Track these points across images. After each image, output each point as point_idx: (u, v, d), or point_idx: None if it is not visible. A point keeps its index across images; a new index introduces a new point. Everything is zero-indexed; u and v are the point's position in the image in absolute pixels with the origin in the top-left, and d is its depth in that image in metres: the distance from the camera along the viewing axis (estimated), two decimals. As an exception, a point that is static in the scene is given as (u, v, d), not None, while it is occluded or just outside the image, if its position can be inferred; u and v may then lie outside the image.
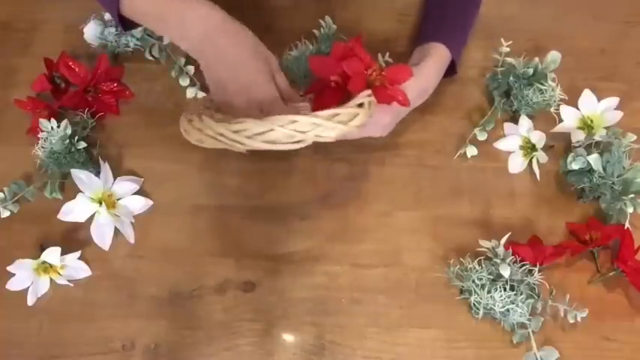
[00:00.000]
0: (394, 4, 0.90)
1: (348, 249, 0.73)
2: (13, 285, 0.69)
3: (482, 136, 0.79)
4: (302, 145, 0.59)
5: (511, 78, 0.79)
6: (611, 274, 0.71)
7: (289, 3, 0.90)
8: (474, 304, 0.68)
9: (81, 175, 0.72)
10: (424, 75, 0.72)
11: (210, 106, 0.72)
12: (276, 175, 0.77)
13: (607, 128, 0.77)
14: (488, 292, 0.67)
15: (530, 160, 0.77)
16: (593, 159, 0.72)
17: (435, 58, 0.74)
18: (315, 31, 0.83)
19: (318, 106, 0.66)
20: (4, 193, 0.73)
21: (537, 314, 0.68)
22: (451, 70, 0.77)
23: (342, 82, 0.65)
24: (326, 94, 0.66)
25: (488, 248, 0.69)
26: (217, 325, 0.69)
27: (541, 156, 0.76)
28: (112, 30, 0.82)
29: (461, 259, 0.70)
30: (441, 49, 0.75)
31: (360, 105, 0.62)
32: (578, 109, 0.79)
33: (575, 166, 0.74)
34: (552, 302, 0.68)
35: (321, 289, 0.71)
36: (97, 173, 0.73)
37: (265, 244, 0.73)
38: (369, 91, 0.64)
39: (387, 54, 0.74)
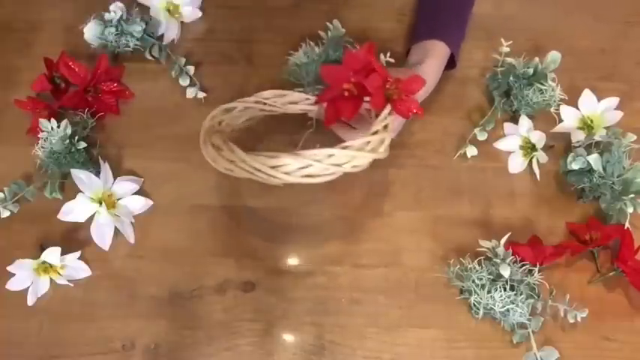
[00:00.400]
0: (394, 4, 0.90)
1: (348, 249, 0.73)
2: (13, 285, 0.69)
3: (482, 136, 0.79)
4: (336, 176, 0.62)
5: (511, 78, 0.79)
6: (611, 274, 0.71)
7: (290, 1, 0.90)
8: (474, 304, 0.68)
9: (81, 175, 0.72)
10: (427, 75, 0.72)
11: (224, 119, 0.72)
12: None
13: (607, 128, 0.77)
14: (489, 292, 0.67)
15: (530, 160, 0.77)
16: (593, 159, 0.72)
17: (435, 56, 0.74)
18: (321, 32, 0.83)
19: (331, 114, 0.67)
20: (4, 193, 0.73)
21: (537, 314, 0.67)
22: (451, 64, 0.77)
23: (356, 91, 0.66)
24: (340, 103, 0.66)
25: (488, 248, 0.69)
26: (217, 325, 0.69)
27: (541, 156, 0.76)
28: (112, 30, 0.82)
29: (461, 259, 0.70)
30: (440, 47, 0.75)
31: (385, 127, 0.63)
32: (578, 109, 0.79)
33: (575, 166, 0.74)
34: (552, 302, 0.68)
35: (320, 289, 0.71)
36: (97, 173, 0.73)
37: (265, 244, 0.73)
38: (389, 108, 0.64)
39: (388, 54, 0.74)
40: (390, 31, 0.87)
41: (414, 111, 0.66)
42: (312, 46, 0.81)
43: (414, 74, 0.68)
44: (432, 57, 0.74)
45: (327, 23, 0.82)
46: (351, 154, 0.60)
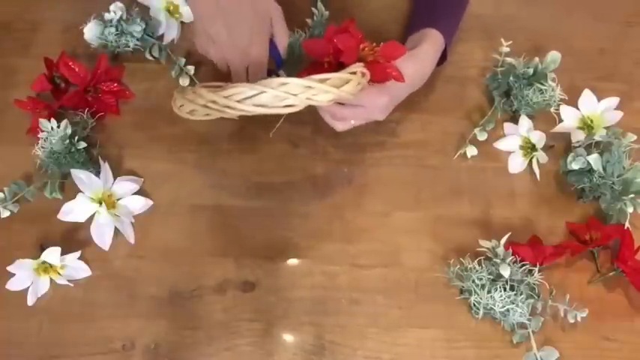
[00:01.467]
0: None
1: (348, 249, 0.73)
2: (13, 285, 0.69)
3: (482, 136, 0.79)
4: (294, 109, 0.60)
5: (511, 78, 0.79)
6: (611, 274, 0.71)
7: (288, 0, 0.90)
8: (474, 304, 0.68)
9: (81, 175, 0.72)
10: (423, 59, 0.72)
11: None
12: (275, 175, 0.77)
13: (607, 128, 0.77)
14: (488, 292, 0.67)
15: (530, 160, 0.77)
16: (593, 159, 0.72)
17: (431, 43, 0.75)
18: (307, 20, 0.84)
19: None
20: (4, 193, 0.73)
21: (537, 314, 0.68)
22: (442, 59, 0.78)
23: (335, 62, 0.65)
24: (318, 72, 0.66)
25: (488, 248, 0.69)
26: (217, 325, 0.69)
27: (541, 156, 0.76)
28: (112, 30, 0.82)
29: (461, 259, 0.70)
30: (436, 35, 0.75)
31: (353, 73, 0.62)
32: (578, 109, 0.79)
33: (575, 166, 0.74)
34: (552, 302, 0.68)
35: (320, 289, 0.71)
36: (97, 173, 0.73)
37: (264, 244, 0.73)
38: (362, 64, 0.64)
39: (381, 44, 0.75)
40: (379, 21, 0.87)
41: (392, 75, 0.66)
42: (299, 32, 0.82)
43: (394, 42, 0.68)
44: (428, 43, 0.74)
45: (313, 9, 0.83)
46: (308, 85, 0.59)
